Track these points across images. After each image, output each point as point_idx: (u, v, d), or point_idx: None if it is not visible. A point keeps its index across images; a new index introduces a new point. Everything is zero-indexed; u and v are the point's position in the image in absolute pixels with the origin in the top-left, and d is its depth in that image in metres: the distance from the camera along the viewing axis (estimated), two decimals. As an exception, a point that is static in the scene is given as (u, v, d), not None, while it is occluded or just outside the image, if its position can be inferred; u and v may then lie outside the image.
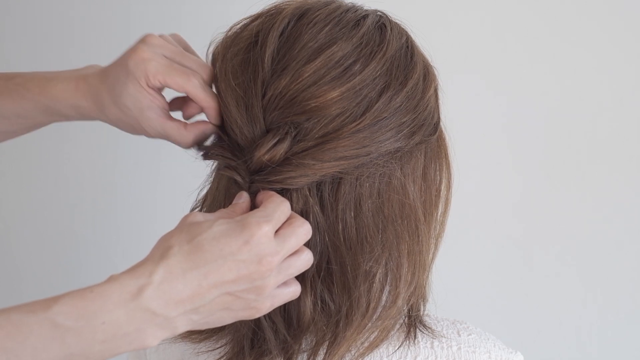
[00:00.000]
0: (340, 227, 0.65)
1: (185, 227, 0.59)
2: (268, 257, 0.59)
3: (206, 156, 0.69)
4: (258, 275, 0.59)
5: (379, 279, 0.66)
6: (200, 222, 0.59)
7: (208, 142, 0.70)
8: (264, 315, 0.66)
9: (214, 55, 0.69)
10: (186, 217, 0.61)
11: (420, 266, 0.69)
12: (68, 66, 1.30)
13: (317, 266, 0.65)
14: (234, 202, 0.64)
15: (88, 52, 1.30)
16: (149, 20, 1.28)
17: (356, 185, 0.65)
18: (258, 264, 0.58)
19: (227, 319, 0.60)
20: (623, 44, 1.20)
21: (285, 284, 0.62)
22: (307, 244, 0.64)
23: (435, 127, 0.69)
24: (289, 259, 0.61)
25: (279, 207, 0.61)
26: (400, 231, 0.67)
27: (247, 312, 0.60)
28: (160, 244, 0.59)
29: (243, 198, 0.64)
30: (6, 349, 0.49)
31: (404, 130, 0.65)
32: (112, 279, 0.55)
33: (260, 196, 0.64)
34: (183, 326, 0.57)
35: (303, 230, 0.62)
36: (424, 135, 0.68)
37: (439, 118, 0.70)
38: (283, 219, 0.61)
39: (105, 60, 1.34)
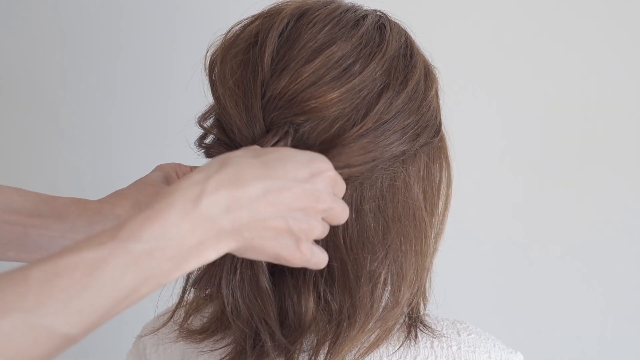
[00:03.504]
0: (341, 227, 0.65)
1: (249, 149, 0.57)
2: (326, 196, 0.58)
3: (209, 154, 0.69)
4: (312, 211, 0.58)
5: (383, 279, 0.66)
6: (265, 148, 0.58)
7: (209, 140, 0.70)
8: (259, 319, 0.66)
9: (212, 59, 0.69)
10: (246, 147, 0.59)
11: (422, 266, 0.69)
12: (66, 66, 1.30)
13: None
14: None
15: (86, 55, 1.30)
16: (149, 20, 1.28)
17: (359, 188, 0.65)
18: (316, 201, 0.57)
19: (269, 251, 0.57)
20: (620, 46, 1.20)
21: (320, 248, 0.61)
22: None
23: (438, 128, 0.69)
24: (326, 220, 0.60)
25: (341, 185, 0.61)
26: (405, 232, 0.67)
27: (288, 253, 0.58)
28: (218, 158, 0.56)
29: None
30: (86, 286, 0.49)
31: (408, 132, 0.65)
32: (167, 193, 0.53)
33: None
34: (234, 242, 0.55)
35: (345, 211, 0.61)
36: (428, 137, 0.68)
37: (441, 118, 0.70)
38: (340, 184, 0.61)
39: (102, 62, 1.34)
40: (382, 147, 0.64)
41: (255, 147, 0.59)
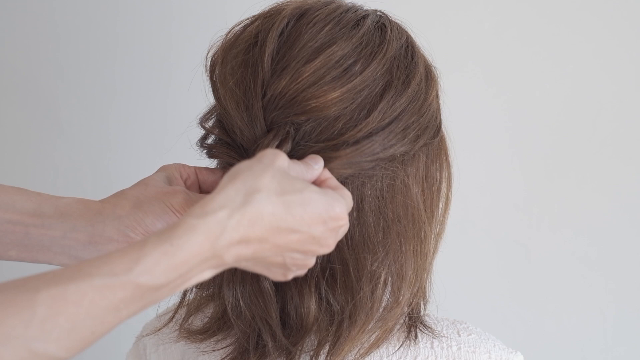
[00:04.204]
0: None
1: (277, 175, 0.57)
2: (329, 243, 0.59)
3: (211, 154, 0.69)
4: (312, 253, 0.59)
5: (384, 280, 0.66)
6: (292, 178, 0.58)
7: (210, 141, 0.70)
8: (261, 319, 0.66)
9: (213, 60, 0.69)
10: (273, 157, 0.58)
11: (422, 266, 0.69)
12: (66, 68, 1.30)
13: (321, 266, 0.65)
14: (307, 160, 0.62)
15: (87, 56, 1.30)
16: (150, 21, 1.28)
17: (359, 187, 0.65)
18: (320, 246, 0.59)
19: (257, 271, 0.60)
20: (625, 42, 1.20)
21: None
22: None
23: (438, 129, 0.69)
24: None
25: (350, 204, 0.62)
26: (404, 232, 0.67)
27: (274, 277, 0.60)
28: (244, 181, 0.55)
29: (319, 164, 0.62)
30: (92, 315, 0.49)
31: (410, 134, 0.65)
32: (189, 227, 0.52)
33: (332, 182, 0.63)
34: (230, 267, 0.57)
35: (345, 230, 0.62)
36: (428, 138, 0.68)
37: (441, 119, 0.70)
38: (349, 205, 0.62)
39: (103, 63, 1.34)
40: (384, 149, 0.64)
41: (281, 171, 0.57)
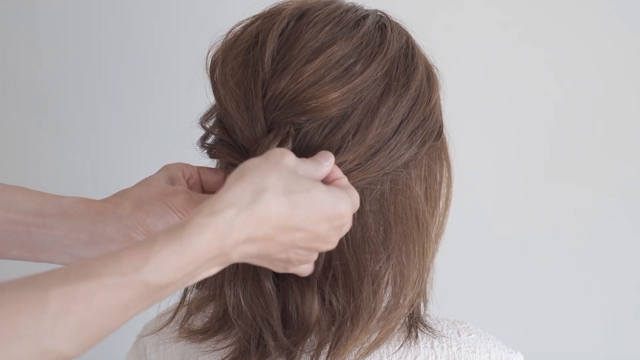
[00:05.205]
0: None
1: (284, 174, 0.57)
2: (332, 240, 0.61)
3: (211, 154, 0.69)
4: (315, 250, 0.61)
5: (387, 280, 0.66)
6: (299, 177, 0.58)
7: (210, 140, 0.70)
8: (262, 319, 0.66)
9: (213, 60, 0.69)
10: (280, 156, 0.58)
11: (424, 266, 0.69)
12: (66, 68, 1.30)
13: (323, 267, 0.65)
14: (317, 157, 0.62)
15: (89, 57, 1.30)
16: (149, 20, 1.28)
17: (360, 188, 0.65)
18: (323, 243, 0.60)
19: (261, 265, 0.61)
20: (625, 42, 1.20)
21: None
22: None
23: (440, 131, 0.69)
24: None
25: (357, 204, 0.62)
26: (408, 232, 0.67)
27: (277, 269, 0.61)
28: (252, 180, 0.56)
29: (330, 161, 0.62)
30: (101, 313, 0.50)
31: (417, 140, 0.65)
32: (197, 226, 0.53)
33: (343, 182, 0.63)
34: (235, 262, 0.58)
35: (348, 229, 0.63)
36: (432, 141, 0.68)
37: (442, 120, 0.70)
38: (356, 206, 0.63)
39: (104, 63, 1.34)
40: (391, 160, 0.64)
41: (289, 170, 0.58)
